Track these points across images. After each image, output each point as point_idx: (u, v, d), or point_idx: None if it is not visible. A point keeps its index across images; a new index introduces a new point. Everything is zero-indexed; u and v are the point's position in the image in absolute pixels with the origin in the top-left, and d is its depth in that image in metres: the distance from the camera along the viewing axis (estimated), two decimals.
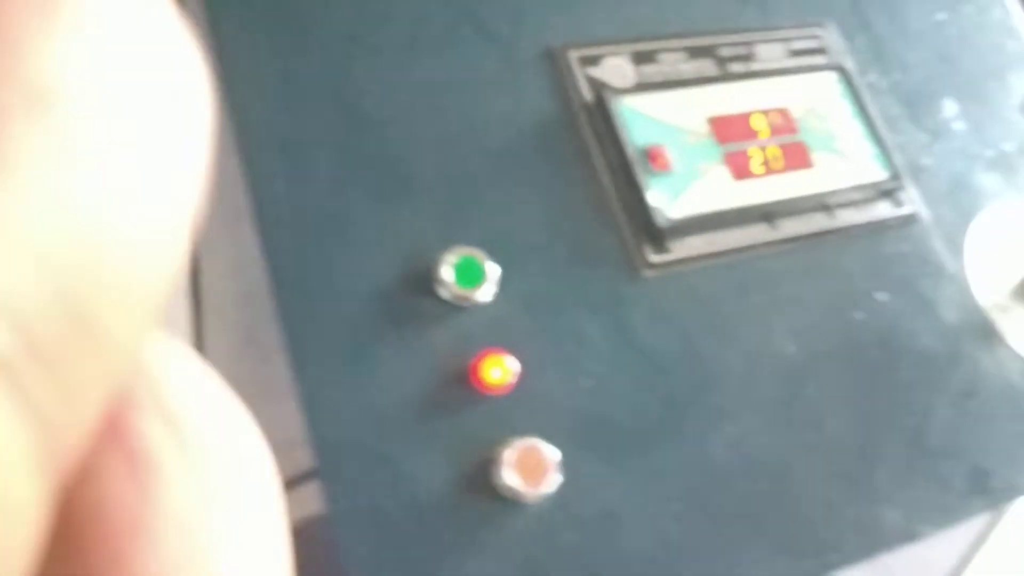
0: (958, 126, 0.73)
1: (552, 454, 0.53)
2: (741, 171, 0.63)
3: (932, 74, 0.74)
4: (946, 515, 0.62)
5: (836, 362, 0.63)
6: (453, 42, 0.62)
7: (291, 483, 0.90)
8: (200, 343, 1.00)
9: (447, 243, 0.56)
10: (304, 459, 0.53)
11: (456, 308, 0.56)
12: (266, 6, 0.59)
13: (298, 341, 0.53)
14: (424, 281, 0.56)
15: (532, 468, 0.53)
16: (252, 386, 0.69)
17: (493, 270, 0.56)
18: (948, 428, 0.64)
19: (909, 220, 0.68)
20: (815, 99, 0.68)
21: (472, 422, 0.54)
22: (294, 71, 0.58)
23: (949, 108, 0.73)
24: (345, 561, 0.50)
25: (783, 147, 0.65)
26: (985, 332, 0.68)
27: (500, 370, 0.55)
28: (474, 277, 0.56)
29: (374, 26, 0.61)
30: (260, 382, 0.63)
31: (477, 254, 0.56)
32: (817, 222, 0.65)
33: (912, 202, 0.68)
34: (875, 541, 0.60)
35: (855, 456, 0.61)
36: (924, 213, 0.69)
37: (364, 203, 0.57)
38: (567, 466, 0.54)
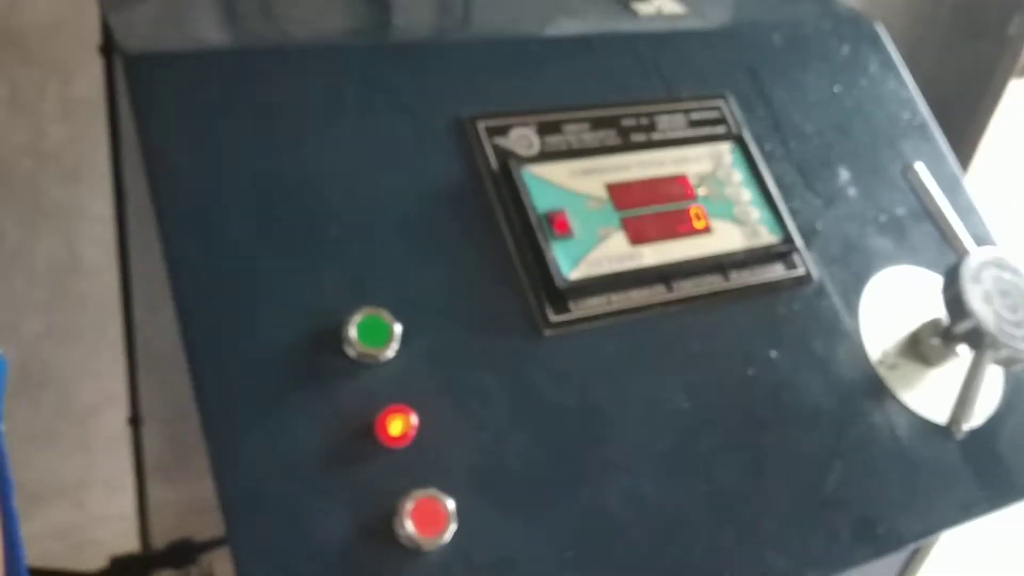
0: (851, 192, 0.77)
1: (449, 504, 0.56)
2: (638, 235, 0.67)
3: (827, 143, 0.78)
4: (833, 562, 0.66)
5: (729, 416, 0.66)
6: (366, 112, 0.66)
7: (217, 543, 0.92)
8: (135, 399, 1.03)
9: (355, 303, 0.60)
10: None
11: (362, 365, 0.59)
12: (187, 73, 0.63)
13: (208, 399, 0.55)
14: (333, 339, 0.59)
15: (430, 518, 0.56)
16: (187, 446, 0.71)
17: (398, 329, 0.59)
18: (837, 479, 0.67)
19: (802, 281, 0.72)
20: (713, 167, 0.72)
21: (376, 475, 0.57)
22: (211, 135, 0.61)
23: (843, 175, 0.78)
24: None
25: (680, 212, 0.69)
26: (876, 388, 0.72)
27: (402, 424, 0.58)
28: (379, 336, 0.59)
29: (291, 95, 0.64)
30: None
31: (383, 314, 0.59)
32: (712, 283, 0.69)
33: (805, 264, 0.73)
34: None
35: (745, 505, 0.64)
36: (818, 274, 0.73)
37: (276, 264, 0.60)
38: (466, 516, 0.57)
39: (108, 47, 0.75)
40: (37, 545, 1.46)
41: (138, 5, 0.73)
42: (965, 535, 0.75)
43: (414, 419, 0.58)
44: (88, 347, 1.35)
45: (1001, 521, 0.75)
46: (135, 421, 1.01)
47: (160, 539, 1.11)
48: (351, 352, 0.58)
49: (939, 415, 0.72)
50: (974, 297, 0.68)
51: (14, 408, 1.35)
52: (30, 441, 1.40)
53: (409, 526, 0.55)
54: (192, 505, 0.80)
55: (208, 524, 0.82)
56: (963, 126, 1.29)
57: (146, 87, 0.62)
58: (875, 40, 0.84)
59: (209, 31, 0.72)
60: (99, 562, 0.92)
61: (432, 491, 0.56)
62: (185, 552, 0.86)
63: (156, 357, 0.87)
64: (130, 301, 0.95)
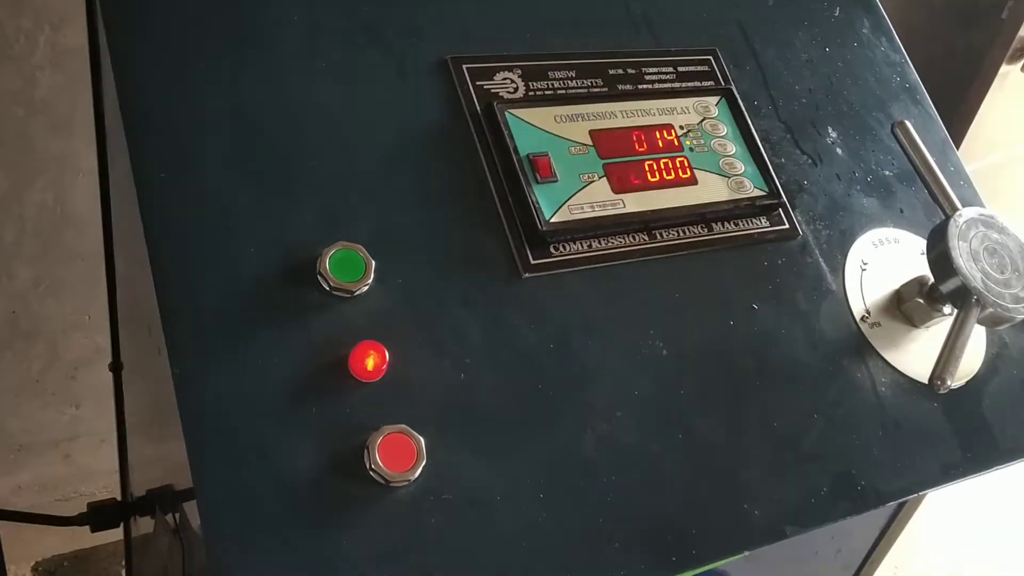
0: (839, 152, 0.77)
1: (418, 441, 0.56)
2: (621, 183, 0.66)
3: (816, 102, 0.78)
4: (812, 517, 0.65)
5: (709, 366, 0.66)
6: (348, 49, 0.65)
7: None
8: (116, 346, 1.02)
9: (332, 237, 0.59)
10: None
11: (337, 299, 0.58)
12: (162, 3, 0.62)
13: (175, 331, 0.55)
14: (308, 273, 0.58)
15: (400, 453, 0.56)
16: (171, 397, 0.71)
17: (374, 264, 0.59)
18: (816, 434, 0.67)
19: (786, 235, 0.71)
20: (699, 119, 0.71)
21: (347, 410, 0.56)
22: (187, 67, 0.61)
23: (831, 134, 0.77)
24: (210, 543, 0.51)
25: (664, 163, 0.68)
26: (859, 345, 0.71)
27: (375, 360, 0.57)
28: (354, 270, 0.58)
29: (271, 30, 0.64)
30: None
31: (359, 249, 0.59)
32: (695, 233, 0.68)
33: (790, 219, 0.72)
34: (740, 539, 0.63)
35: (724, 457, 0.64)
36: (803, 230, 0.72)
37: (251, 197, 0.59)
38: (436, 453, 0.56)
39: None
40: (24, 497, 1.46)
41: None
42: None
43: (387, 354, 0.57)
44: (79, 300, 1.35)
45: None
46: (116, 368, 1.00)
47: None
48: (325, 286, 0.58)
49: (922, 374, 0.71)
50: (961, 255, 0.68)
51: (3, 359, 1.35)
52: (19, 392, 1.40)
53: (378, 461, 0.54)
54: (176, 460, 0.80)
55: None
56: (955, 110, 1.29)
57: (121, 20, 0.62)
58: (868, 3, 0.84)
59: None
60: None
61: (403, 427, 0.56)
62: (162, 500, 0.86)
63: (140, 312, 0.87)
64: (112, 251, 0.95)
